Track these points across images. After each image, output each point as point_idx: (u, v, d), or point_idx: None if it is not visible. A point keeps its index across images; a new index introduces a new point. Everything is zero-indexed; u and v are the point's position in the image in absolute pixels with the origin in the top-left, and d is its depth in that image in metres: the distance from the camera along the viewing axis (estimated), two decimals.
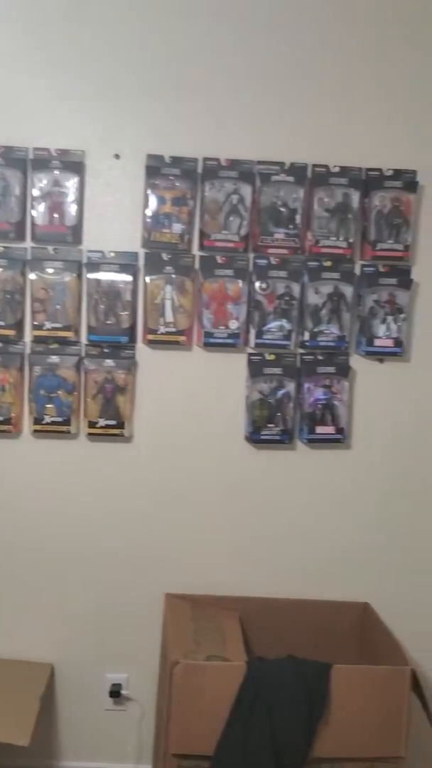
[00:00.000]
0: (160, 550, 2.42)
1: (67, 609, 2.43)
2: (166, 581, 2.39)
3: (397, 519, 2.47)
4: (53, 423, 2.33)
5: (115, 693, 2.45)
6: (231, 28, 2.29)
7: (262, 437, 2.36)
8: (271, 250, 2.32)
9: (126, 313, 2.31)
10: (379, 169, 2.33)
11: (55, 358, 2.32)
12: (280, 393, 2.36)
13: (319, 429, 2.37)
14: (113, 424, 2.34)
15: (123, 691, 2.45)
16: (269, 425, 2.36)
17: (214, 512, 2.42)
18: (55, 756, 2.49)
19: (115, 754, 2.49)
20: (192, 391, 2.37)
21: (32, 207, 2.29)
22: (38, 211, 2.29)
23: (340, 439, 2.39)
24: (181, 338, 2.32)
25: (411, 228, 2.34)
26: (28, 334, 2.32)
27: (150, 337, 2.31)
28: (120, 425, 2.34)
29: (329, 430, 2.37)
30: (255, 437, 2.36)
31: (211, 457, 2.40)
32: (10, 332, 2.31)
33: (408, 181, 2.33)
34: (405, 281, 2.36)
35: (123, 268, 2.30)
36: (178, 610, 2.34)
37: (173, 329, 2.31)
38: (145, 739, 2.47)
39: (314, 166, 2.31)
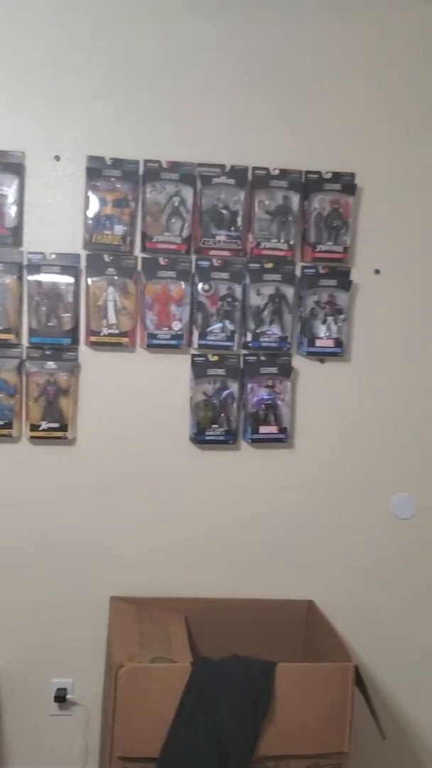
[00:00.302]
0: (104, 553, 2.39)
1: (11, 614, 2.39)
2: (111, 584, 2.36)
3: (340, 516, 2.48)
4: None
5: (61, 698, 2.41)
6: (172, 31, 2.28)
7: (207, 438, 2.34)
8: (213, 252, 2.31)
9: (68, 314, 2.28)
10: (319, 172, 2.33)
11: None
12: (223, 394, 2.35)
13: (263, 429, 2.36)
14: (56, 427, 2.30)
15: (68, 696, 2.41)
16: (213, 426, 2.35)
17: (159, 514, 2.40)
18: (1, 762, 2.43)
19: (61, 758, 2.44)
20: (136, 393, 2.35)
21: None
22: None
23: (283, 438, 2.38)
24: (124, 340, 2.29)
25: (350, 230, 2.36)
26: None
27: (93, 338, 2.28)
28: (63, 428, 2.30)
29: (272, 429, 2.37)
30: (199, 438, 2.34)
31: (156, 459, 2.38)
32: None
33: (347, 183, 2.35)
34: (344, 282, 2.37)
35: (64, 270, 2.27)
36: (123, 612, 2.31)
37: (116, 331, 2.29)
38: (91, 743, 2.43)
39: (254, 168, 2.31)
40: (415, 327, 2.44)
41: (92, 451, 2.35)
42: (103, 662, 2.34)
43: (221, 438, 2.35)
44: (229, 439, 2.36)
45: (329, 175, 2.33)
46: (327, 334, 2.36)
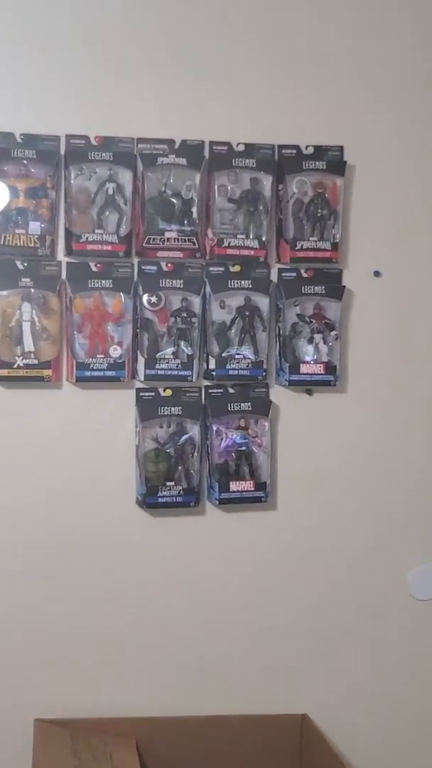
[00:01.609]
0: (26, 663, 2.08)
1: None
2: (37, 703, 2.04)
3: (340, 602, 2.22)
4: None
5: None
6: None
7: (160, 500, 2.08)
8: (161, 254, 2.08)
9: None
10: (296, 146, 2.11)
11: None
12: (180, 440, 2.11)
13: (234, 485, 2.12)
14: None
15: None
16: (168, 483, 2.08)
17: (96, 607, 2.11)
18: None
19: None
20: (63, 443, 2.08)
21: None
22: None
23: (261, 497, 2.13)
24: (46, 372, 2.03)
25: (340, 220, 2.14)
26: None
27: (4, 372, 2.01)
28: None
29: (247, 486, 2.13)
30: (150, 500, 2.07)
31: (91, 531, 2.09)
32: None
33: (333, 160, 2.14)
34: (335, 289, 2.16)
35: None
36: (54, 740, 1.98)
37: (35, 361, 2.02)
38: None
39: (213, 144, 2.07)
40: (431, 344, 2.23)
41: (6, 525, 2.03)
42: None
43: (179, 499, 2.09)
44: (189, 501, 2.09)
45: (310, 150, 2.12)
46: (315, 356, 2.15)
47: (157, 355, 2.09)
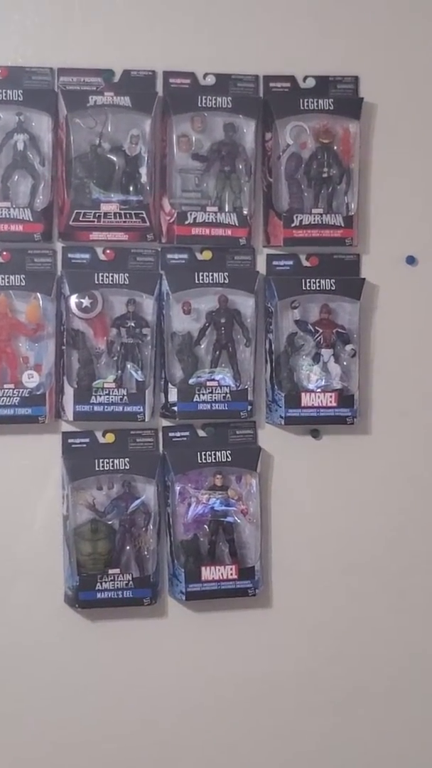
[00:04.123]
0: None
1: None
2: None
3: (360, 746, 2.03)
4: None
5: None
6: None
7: (100, 595, 1.93)
8: (95, 235, 1.94)
9: None
10: (291, 78, 1.98)
11: None
12: (130, 507, 1.97)
13: (209, 572, 1.97)
14: None
15: None
16: (111, 571, 1.94)
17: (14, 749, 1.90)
18: None
19: None
20: None
21: None
22: None
23: (248, 589, 1.97)
24: None
25: (355, 184, 2.00)
26: None
27: None
28: None
29: (227, 572, 1.98)
30: (85, 596, 1.94)
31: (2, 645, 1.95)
32: None
33: (344, 97, 2.00)
34: (350, 284, 2.03)
35: None
36: None
37: None
38: None
39: (169, 75, 1.95)
40: None
41: None
42: None
43: (128, 594, 1.94)
44: (143, 596, 1.95)
45: (311, 83, 1.99)
46: (323, 382, 2.02)
47: (94, 384, 1.97)
